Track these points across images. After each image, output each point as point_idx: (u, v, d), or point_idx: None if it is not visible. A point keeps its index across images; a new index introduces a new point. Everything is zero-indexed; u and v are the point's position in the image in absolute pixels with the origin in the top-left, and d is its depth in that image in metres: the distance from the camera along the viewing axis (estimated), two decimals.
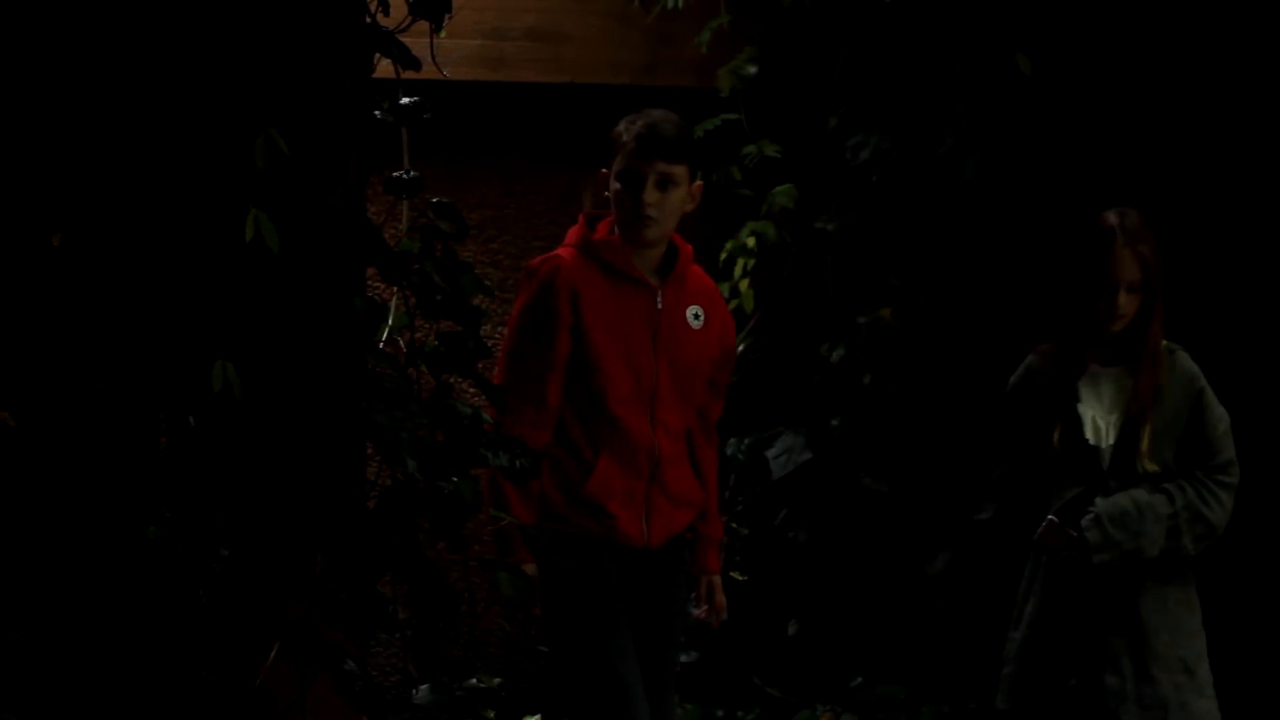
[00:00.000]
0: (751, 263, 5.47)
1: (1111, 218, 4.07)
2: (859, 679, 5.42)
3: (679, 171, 3.84)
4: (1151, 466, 4.07)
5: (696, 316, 3.96)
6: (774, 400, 5.55)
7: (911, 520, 5.54)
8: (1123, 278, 4.00)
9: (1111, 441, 4.08)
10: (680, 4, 5.30)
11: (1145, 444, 4.05)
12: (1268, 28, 5.31)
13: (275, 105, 3.28)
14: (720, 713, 5.47)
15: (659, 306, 3.90)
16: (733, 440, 5.52)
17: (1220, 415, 4.15)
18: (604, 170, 3.91)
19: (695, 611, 4.09)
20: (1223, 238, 5.37)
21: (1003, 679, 4.24)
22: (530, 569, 3.84)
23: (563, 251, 3.93)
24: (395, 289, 3.87)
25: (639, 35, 5.53)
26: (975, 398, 5.51)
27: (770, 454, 5.50)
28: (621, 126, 3.92)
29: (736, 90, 5.38)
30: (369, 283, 4.45)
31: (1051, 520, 4.08)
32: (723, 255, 5.51)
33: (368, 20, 3.56)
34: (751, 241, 5.45)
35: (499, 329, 5.57)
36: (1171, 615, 4.05)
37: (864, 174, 5.50)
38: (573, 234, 3.98)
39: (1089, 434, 4.07)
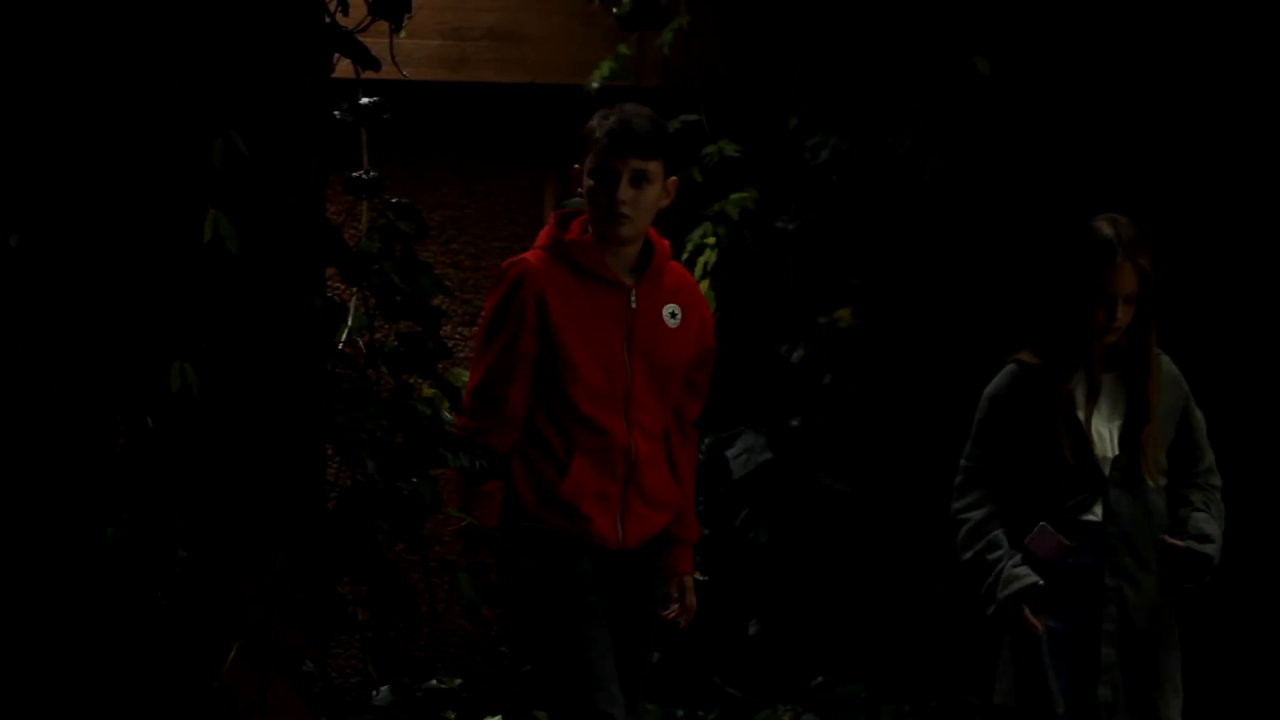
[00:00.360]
0: (712, 262, 5.48)
1: (1107, 228, 3.99)
2: (819, 678, 5.43)
3: (653, 168, 3.78)
4: (1159, 479, 4.02)
5: (674, 315, 3.88)
6: (734, 400, 5.55)
7: (872, 520, 5.55)
8: (1121, 290, 3.94)
9: (1116, 452, 4.00)
10: (625, 8, 5.32)
11: (1149, 453, 3.99)
12: (1226, 26, 5.34)
13: (234, 106, 3.27)
14: (681, 713, 5.48)
15: (633, 306, 3.83)
16: None
17: (1202, 418, 4.13)
18: (577, 166, 3.85)
19: (664, 612, 4.03)
20: (1185, 237, 5.39)
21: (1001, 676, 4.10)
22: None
23: (530, 254, 3.87)
24: (355, 289, 3.86)
25: (600, 35, 5.53)
26: (936, 398, 5.53)
27: (730, 454, 5.51)
28: (595, 122, 3.85)
29: (691, 90, 5.37)
30: (329, 283, 4.43)
31: (1044, 526, 3.96)
32: (684, 255, 5.51)
33: (327, 20, 3.55)
34: (711, 241, 5.46)
35: (459, 329, 5.56)
36: (1163, 629, 4.01)
37: (824, 174, 5.51)
38: (543, 235, 3.91)
39: (1095, 444, 3.99)
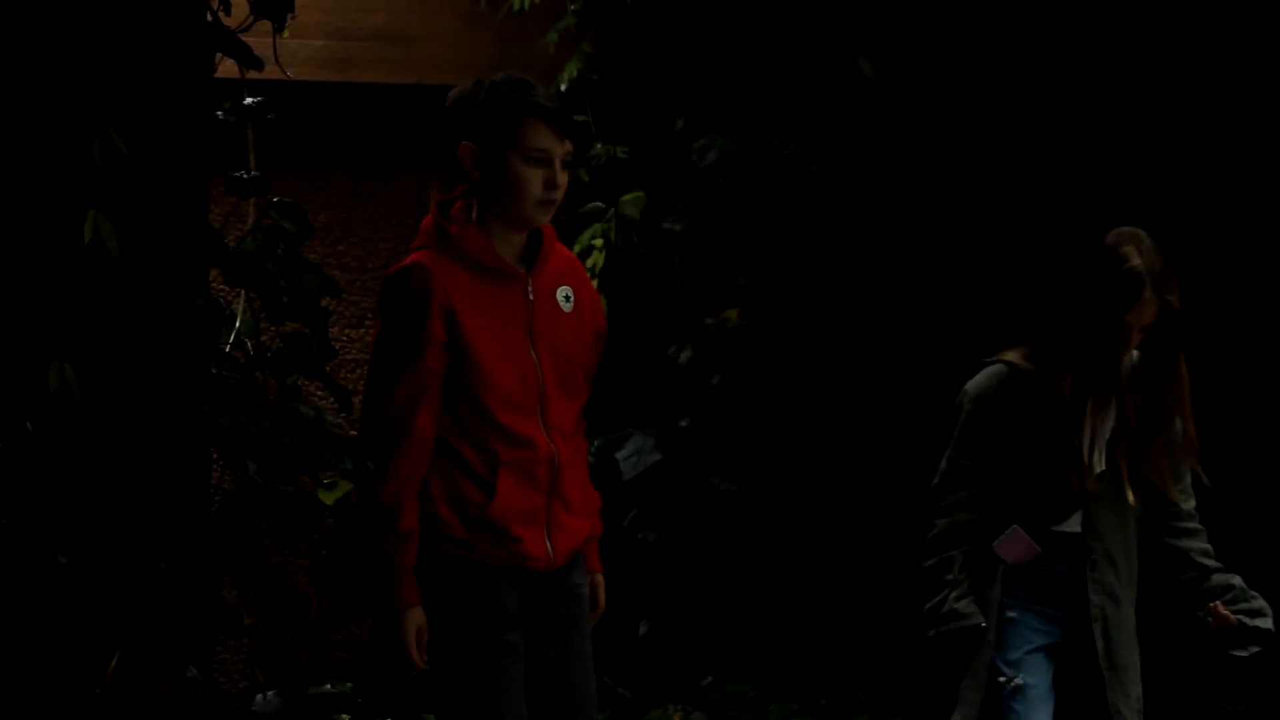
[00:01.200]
0: (600, 264, 5.48)
1: (1136, 258, 3.77)
2: (709, 678, 5.45)
3: (571, 150, 3.51)
4: (1137, 505, 3.89)
5: (568, 299, 3.57)
6: (623, 401, 5.56)
7: (761, 519, 5.58)
8: (1139, 322, 3.77)
9: (1102, 467, 3.83)
10: (527, 5, 5.30)
11: (1154, 468, 3.86)
12: (1107, 27, 5.41)
13: (113, 105, 3.24)
14: None
15: (530, 298, 3.51)
16: None
17: None
18: (469, 145, 3.46)
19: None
20: (1073, 233, 5.45)
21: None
22: (418, 614, 3.45)
23: (421, 256, 3.46)
24: (240, 291, 3.83)
25: (487, 36, 5.51)
26: (824, 397, 5.56)
27: (620, 455, 5.51)
28: (506, 92, 3.45)
29: (579, 91, 5.37)
30: (213, 285, 4.39)
31: (1016, 529, 3.78)
32: None
33: (209, 19, 3.52)
34: (600, 243, 5.47)
35: (346, 330, 5.53)
36: (1133, 652, 3.90)
37: (711, 175, 5.53)
38: (428, 228, 3.52)
39: (1088, 459, 3.82)
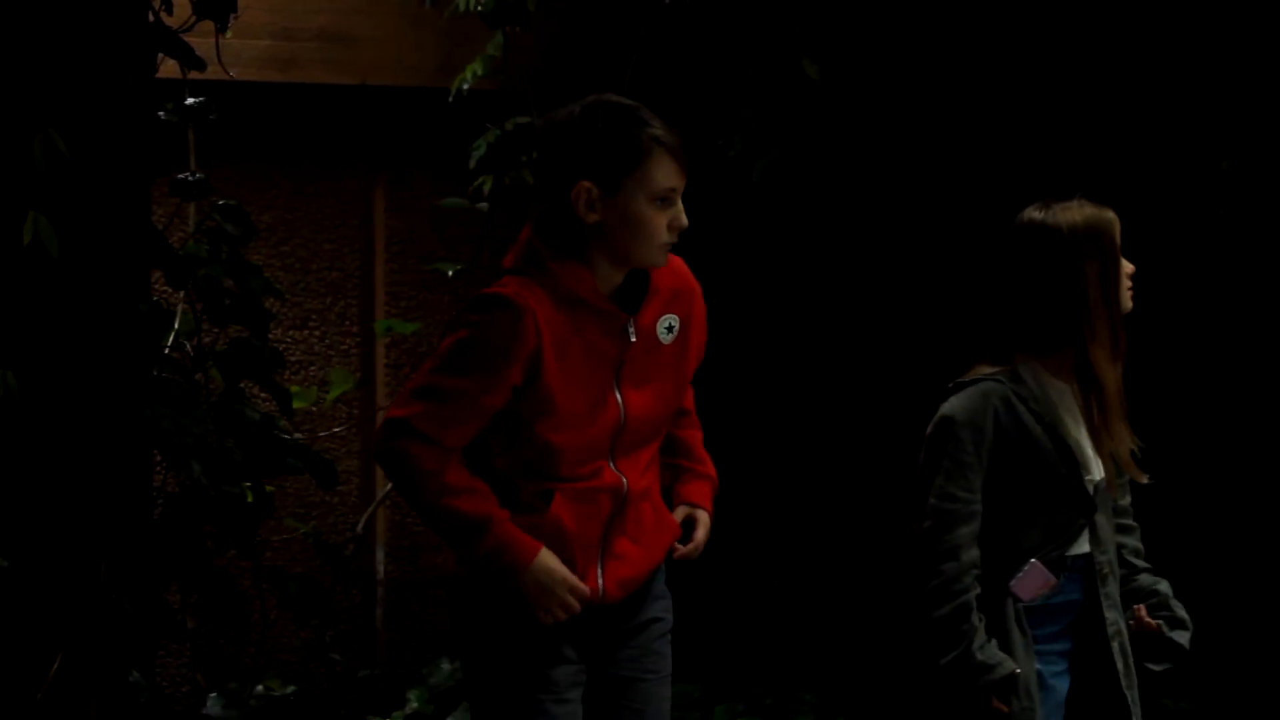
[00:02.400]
0: None
1: (1076, 204, 3.54)
2: None
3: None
4: (1124, 498, 3.66)
5: (670, 329, 3.21)
6: None
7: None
8: (1128, 266, 3.54)
9: (1101, 473, 3.54)
10: (473, 6, 5.30)
11: (1123, 456, 3.55)
12: (1048, 26, 5.44)
13: (54, 104, 3.22)
14: None
15: (632, 338, 3.14)
16: None
17: None
18: (587, 184, 3.06)
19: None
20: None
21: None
22: (547, 554, 3.08)
23: (519, 287, 3.06)
24: (182, 293, 3.81)
25: (431, 37, 5.50)
26: (767, 397, 5.58)
27: None
28: (627, 124, 3.11)
29: (524, 93, 5.36)
30: (155, 286, 4.37)
31: (1035, 564, 3.48)
32: None
33: (150, 19, 3.51)
34: None
35: (290, 332, 5.50)
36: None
37: None
38: (522, 253, 3.12)
39: (1086, 465, 3.53)
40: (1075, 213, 3.56)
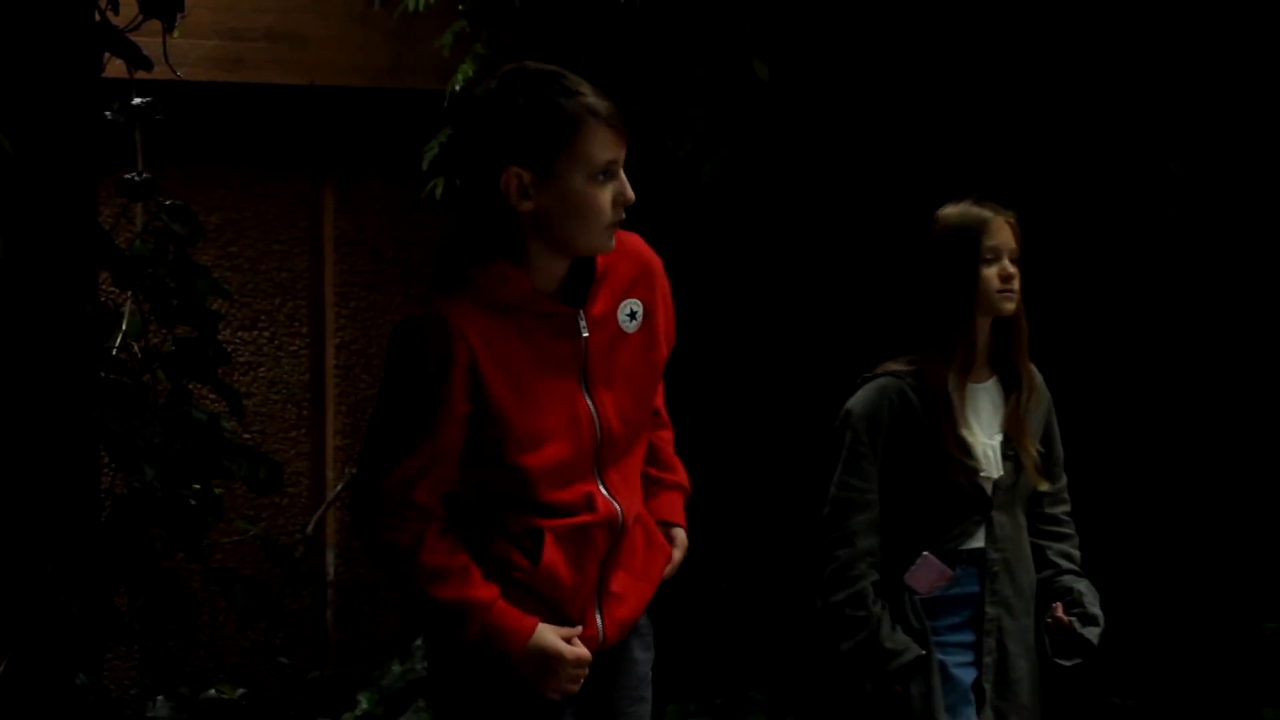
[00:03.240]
0: None
1: (968, 204, 3.59)
2: None
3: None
4: (1044, 484, 3.67)
5: (632, 315, 2.88)
6: None
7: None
8: (1005, 246, 3.54)
9: (1000, 472, 3.60)
10: (422, 6, 5.28)
11: (1032, 459, 3.62)
12: (992, 28, 5.47)
13: None
14: None
15: (584, 333, 2.80)
16: None
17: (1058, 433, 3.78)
18: (516, 170, 2.71)
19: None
20: None
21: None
22: (546, 629, 2.80)
23: (441, 306, 2.73)
24: (129, 294, 3.79)
25: (380, 37, 5.49)
26: (714, 397, 5.58)
27: None
28: (552, 95, 2.70)
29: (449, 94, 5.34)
30: (101, 287, 4.34)
31: (927, 556, 3.54)
32: None
33: (97, 19, 3.48)
34: None
35: (239, 334, 5.48)
36: (1028, 663, 3.67)
37: None
38: (439, 268, 2.80)
39: (980, 463, 3.58)
40: (950, 213, 3.63)
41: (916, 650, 3.53)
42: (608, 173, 2.74)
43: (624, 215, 2.77)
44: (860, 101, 5.52)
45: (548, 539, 2.78)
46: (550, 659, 2.77)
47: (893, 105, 5.51)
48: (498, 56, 5.23)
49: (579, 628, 2.84)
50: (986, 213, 3.59)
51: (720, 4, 5.30)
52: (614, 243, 2.78)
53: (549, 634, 2.78)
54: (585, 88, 2.73)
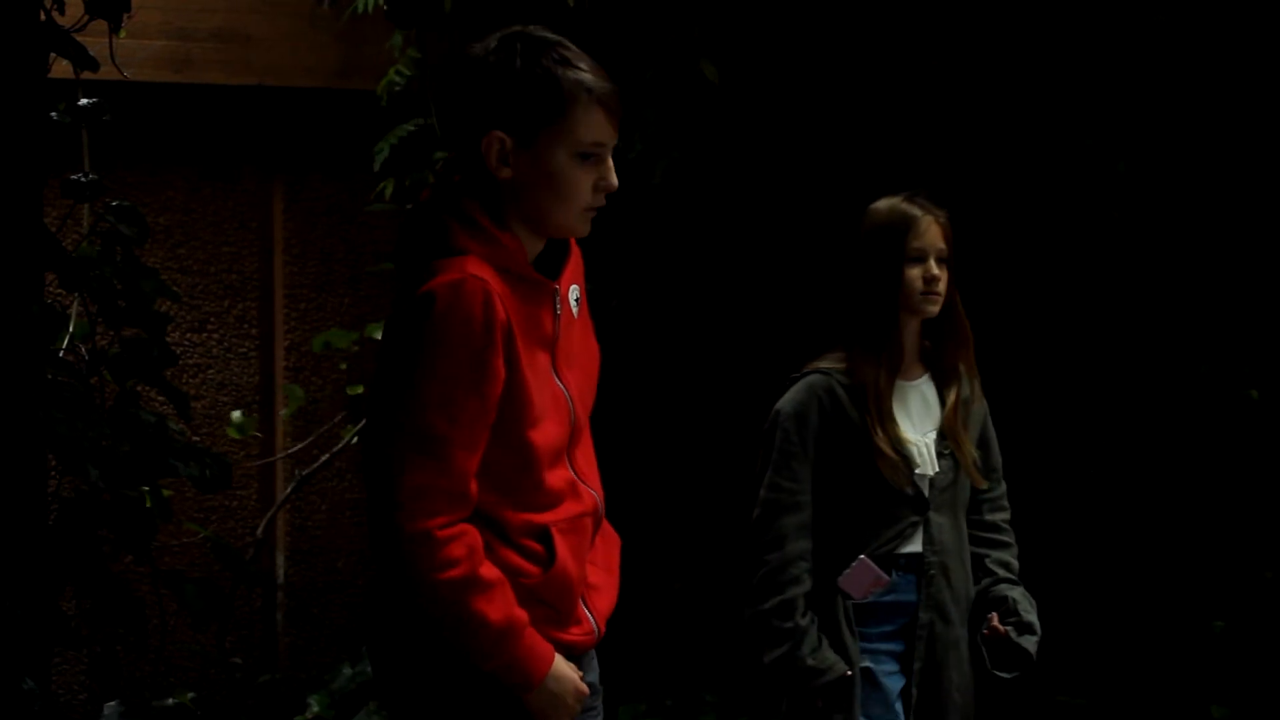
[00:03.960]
0: None
1: (897, 199, 3.52)
2: None
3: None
4: (983, 482, 3.59)
5: (577, 300, 2.78)
6: None
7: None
8: (932, 245, 3.48)
9: (936, 470, 3.51)
10: (370, 7, 5.27)
11: (969, 457, 3.54)
12: (942, 32, 5.49)
13: None
14: None
15: (557, 311, 2.70)
16: None
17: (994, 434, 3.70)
18: (499, 135, 2.60)
19: None
20: None
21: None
22: (563, 664, 2.67)
23: (472, 266, 2.57)
24: (76, 295, 3.77)
25: (330, 38, 5.47)
26: (668, 399, 5.59)
27: None
28: (551, 65, 2.61)
29: (396, 95, 5.32)
30: (49, 290, 4.31)
31: (863, 561, 3.42)
32: None
33: (42, 18, 3.46)
34: None
35: (188, 335, 5.45)
36: (959, 671, 3.58)
37: None
38: (462, 225, 2.62)
39: (915, 460, 3.49)
40: (878, 209, 3.57)
41: (841, 669, 3.43)
42: (594, 155, 2.63)
43: (604, 201, 2.68)
44: (807, 101, 5.54)
45: (555, 537, 2.64)
46: (565, 687, 2.65)
47: (839, 105, 5.52)
48: (431, 60, 5.22)
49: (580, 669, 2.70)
50: (915, 211, 3.52)
51: (669, 6, 5.31)
52: (589, 228, 2.68)
53: (563, 663, 2.65)
54: (586, 63, 2.64)
